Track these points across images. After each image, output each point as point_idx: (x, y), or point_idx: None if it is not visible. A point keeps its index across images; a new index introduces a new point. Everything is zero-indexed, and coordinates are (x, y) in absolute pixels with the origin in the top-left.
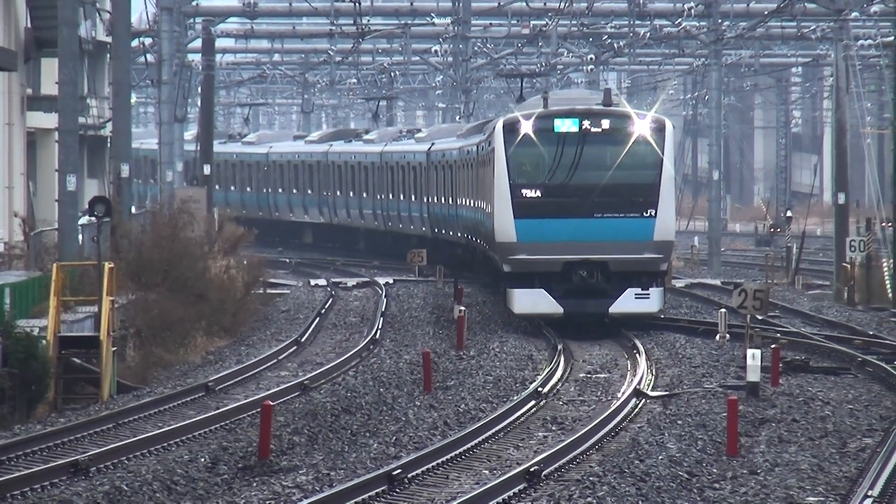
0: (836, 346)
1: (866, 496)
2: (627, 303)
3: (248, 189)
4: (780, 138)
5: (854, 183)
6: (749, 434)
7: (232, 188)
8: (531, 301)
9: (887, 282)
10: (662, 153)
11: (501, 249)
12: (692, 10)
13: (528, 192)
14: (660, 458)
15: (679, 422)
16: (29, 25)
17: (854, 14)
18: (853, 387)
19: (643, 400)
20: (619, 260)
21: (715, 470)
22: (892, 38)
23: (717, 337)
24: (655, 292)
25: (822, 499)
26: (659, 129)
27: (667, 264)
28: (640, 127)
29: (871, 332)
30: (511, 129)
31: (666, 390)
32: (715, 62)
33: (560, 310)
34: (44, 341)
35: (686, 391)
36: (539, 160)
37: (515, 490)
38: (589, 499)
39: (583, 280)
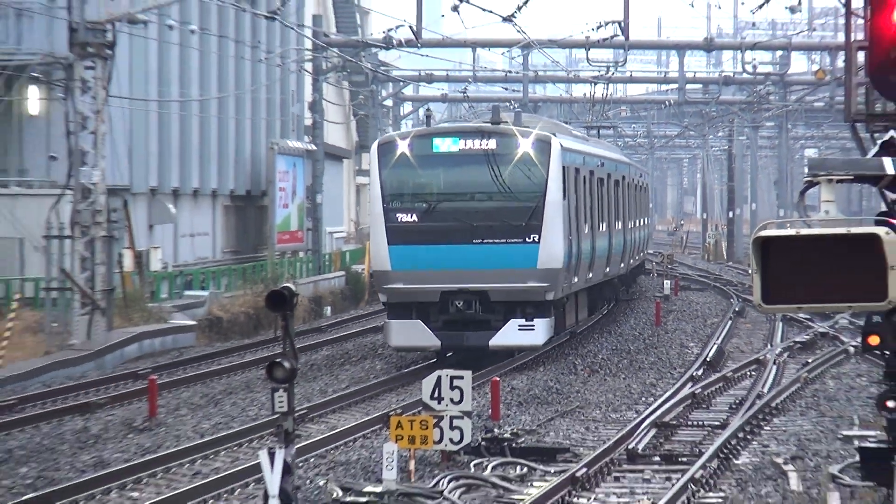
0: (702, 279)
1: (715, 343)
2: (509, 335)
3: None
4: (679, 189)
5: (711, 209)
6: (664, 317)
7: None
8: (407, 333)
9: (724, 251)
10: (547, 174)
11: (377, 278)
12: (636, 129)
13: (404, 217)
14: (625, 327)
15: (634, 311)
16: (356, 137)
17: (711, 136)
18: (710, 296)
19: (618, 303)
20: (499, 290)
21: (650, 331)
22: (727, 147)
23: (651, 275)
24: (541, 323)
25: (696, 344)
26: (543, 148)
27: (554, 293)
28: (524, 145)
29: (717, 273)
30: (386, 149)
31: (629, 298)
32: (649, 156)
33: (437, 342)
34: (363, 275)
35: (636, 298)
36: (415, 182)
37: (563, 340)
38: (593, 343)
39: (461, 311)
